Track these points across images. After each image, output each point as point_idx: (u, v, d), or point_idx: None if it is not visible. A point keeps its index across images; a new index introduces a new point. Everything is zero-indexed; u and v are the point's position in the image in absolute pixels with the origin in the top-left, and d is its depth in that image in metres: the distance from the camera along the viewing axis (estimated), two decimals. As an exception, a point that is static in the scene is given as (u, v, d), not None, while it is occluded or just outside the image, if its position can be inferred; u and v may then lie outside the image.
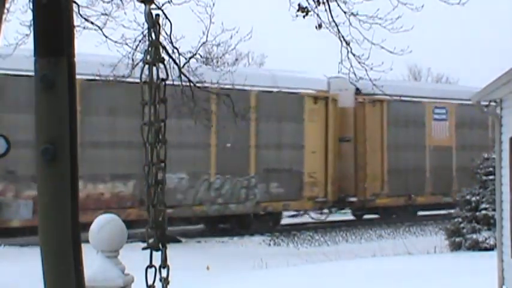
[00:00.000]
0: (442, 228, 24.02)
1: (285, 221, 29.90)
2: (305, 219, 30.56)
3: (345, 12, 10.85)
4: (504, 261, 13.66)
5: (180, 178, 24.59)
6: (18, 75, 20.28)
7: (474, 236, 20.73)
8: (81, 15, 12.56)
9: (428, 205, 32.33)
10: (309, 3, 10.85)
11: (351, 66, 11.40)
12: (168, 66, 4.62)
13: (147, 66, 3.88)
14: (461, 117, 32.61)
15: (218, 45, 14.39)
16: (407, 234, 28.41)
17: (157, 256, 3.94)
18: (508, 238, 13.36)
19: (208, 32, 13.47)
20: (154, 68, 3.87)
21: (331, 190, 28.91)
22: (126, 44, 13.25)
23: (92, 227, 6.61)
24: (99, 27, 13.03)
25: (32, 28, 5.27)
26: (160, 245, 3.92)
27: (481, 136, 32.29)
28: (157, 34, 3.84)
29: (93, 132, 22.34)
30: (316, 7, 10.84)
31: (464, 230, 21.04)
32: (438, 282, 14.91)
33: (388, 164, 30.63)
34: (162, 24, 8.06)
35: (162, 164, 3.93)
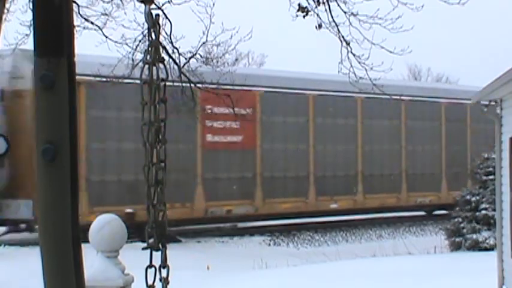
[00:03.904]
0: (442, 228, 24.01)
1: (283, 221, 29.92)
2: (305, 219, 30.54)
3: (345, 12, 10.87)
4: (504, 261, 13.65)
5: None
6: None
7: (474, 236, 20.70)
8: (81, 15, 12.59)
9: None
10: (309, 3, 10.87)
11: (351, 66, 11.43)
12: (168, 66, 4.62)
13: (147, 66, 3.88)
14: None
15: (218, 45, 14.43)
16: (407, 234, 28.43)
17: (157, 256, 3.94)
18: (508, 238, 13.34)
19: (208, 32, 13.50)
20: (154, 68, 3.87)
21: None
22: (126, 44, 13.28)
23: (92, 227, 6.60)
24: (99, 27, 13.06)
25: (32, 28, 5.27)
26: (160, 245, 3.92)
27: None
28: (157, 34, 3.84)
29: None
30: (316, 7, 10.86)
31: (464, 230, 21.02)
32: (438, 282, 14.90)
33: None
34: (162, 24, 8.07)
35: (162, 164, 3.93)
